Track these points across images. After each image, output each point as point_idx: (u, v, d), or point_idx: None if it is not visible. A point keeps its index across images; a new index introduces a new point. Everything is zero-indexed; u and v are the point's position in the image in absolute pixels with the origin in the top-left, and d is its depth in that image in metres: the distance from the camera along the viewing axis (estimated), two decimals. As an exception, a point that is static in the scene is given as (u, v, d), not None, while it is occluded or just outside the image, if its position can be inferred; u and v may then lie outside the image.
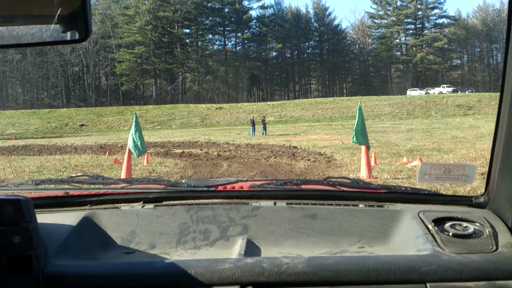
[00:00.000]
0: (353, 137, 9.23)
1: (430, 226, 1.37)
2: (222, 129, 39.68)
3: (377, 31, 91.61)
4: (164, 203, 1.63)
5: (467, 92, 62.78)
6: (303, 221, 1.48)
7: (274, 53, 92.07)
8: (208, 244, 1.43)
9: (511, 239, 1.29)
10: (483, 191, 1.52)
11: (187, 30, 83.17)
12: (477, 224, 1.37)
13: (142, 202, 1.65)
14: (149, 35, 76.59)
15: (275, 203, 1.58)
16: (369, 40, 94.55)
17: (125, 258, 1.37)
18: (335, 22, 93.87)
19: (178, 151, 17.67)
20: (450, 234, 1.32)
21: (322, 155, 14.21)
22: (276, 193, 1.67)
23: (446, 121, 36.05)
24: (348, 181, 1.70)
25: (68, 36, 0.98)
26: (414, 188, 1.73)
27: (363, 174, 8.95)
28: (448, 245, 1.26)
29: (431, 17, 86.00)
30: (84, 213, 1.52)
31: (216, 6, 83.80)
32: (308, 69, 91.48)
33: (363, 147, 9.16)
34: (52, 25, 0.96)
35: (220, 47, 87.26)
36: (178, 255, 1.37)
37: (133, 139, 9.89)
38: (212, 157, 14.99)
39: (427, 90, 63.70)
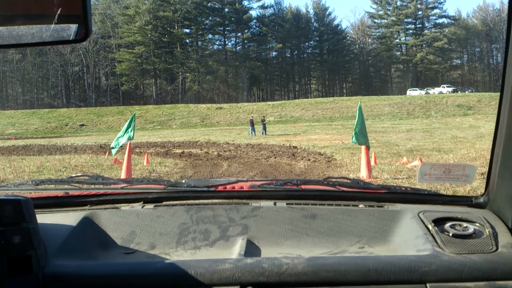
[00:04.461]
0: (353, 137, 9.23)
1: (430, 226, 1.37)
2: (222, 129, 39.67)
3: (377, 31, 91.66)
4: (164, 203, 1.63)
5: (467, 92, 62.77)
6: (303, 221, 1.48)
7: (274, 53, 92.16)
8: (208, 244, 1.43)
9: (511, 239, 1.29)
10: (483, 191, 1.52)
11: (187, 30, 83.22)
12: (477, 224, 1.37)
13: (142, 202, 1.64)
14: (149, 35, 76.59)
15: (275, 203, 1.58)
16: (369, 40, 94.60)
17: (125, 259, 1.37)
18: (335, 22, 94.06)
19: (178, 151, 17.67)
20: (450, 234, 1.32)
21: (322, 155, 14.21)
22: (276, 193, 1.67)
23: (446, 121, 36.05)
24: (348, 181, 1.70)
25: (68, 36, 0.98)
26: (414, 188, 1.73)
27: (363, 174, 8.95)
28: (448, 245, 1.26)
29: (431, 17, 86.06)
30: (84, 213, 1.52)
31: (216, 6, 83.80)
32: (308, 69, 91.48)
33: (363, 147, 9.16)
34: (52, 25, 0.96)
35: (220, 47, 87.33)
36: (178, 256, 1.37)
37: (120, 135, 9.96)
38: (212, 157, 14.99)
39: (427, 90, 63.69)
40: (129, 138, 10.05)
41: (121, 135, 9.97)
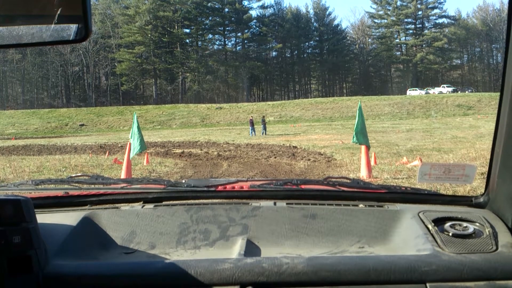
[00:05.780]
0: (353, 137, 9.23)
1: (430, 226, 1.36)
2: (222, 129, 39.67)
3: (377, 31, 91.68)
4: (164, 203, 1.63)
5: (467, 92, 62.77)
6: (303, 221, 1.48)
7: (274, 53, 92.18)
8: (208, 244, 1.43)
9: (511, 239, 1.29)
10: (483, 191, 1.52)
11: (187, 30, 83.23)
12: (477, 224, 1.37)
13: (142, 202, 1.64)
14: (149, 35, 76.58)
15: (275, 203, 1.58)
16: (369, 40, 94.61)
17: (125, 258, 1.37)
18: (335, 22, 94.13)
19: (178, 151, 17.67)
20: (450, 234, 1.32)
21: (322, 155, 14.21)
22: (276, 193, 1.67)
23: (446, 121, 36.04)
24: (348, 181, 1.70)
25: (68, 36, 0.98)
26: (414, 188, 1.73)
27: (363, 174, 8.95)
28: (448, 245, 1.26)
29: (431, 17, 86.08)
30: (84, 213, 1.52)
31: (216, 6, 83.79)
32: (308, 69, 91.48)
33: (363, 147, 9.16)
34: (52, 25, 0.96)
35: (220, 47, 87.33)
36: (178, 255, 1.37)
37: (137, 137, 10.12)
38: (212, 157, 14.99)
39: (427, 90, 63.71)
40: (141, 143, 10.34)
41: (137, 140, 10.12)
